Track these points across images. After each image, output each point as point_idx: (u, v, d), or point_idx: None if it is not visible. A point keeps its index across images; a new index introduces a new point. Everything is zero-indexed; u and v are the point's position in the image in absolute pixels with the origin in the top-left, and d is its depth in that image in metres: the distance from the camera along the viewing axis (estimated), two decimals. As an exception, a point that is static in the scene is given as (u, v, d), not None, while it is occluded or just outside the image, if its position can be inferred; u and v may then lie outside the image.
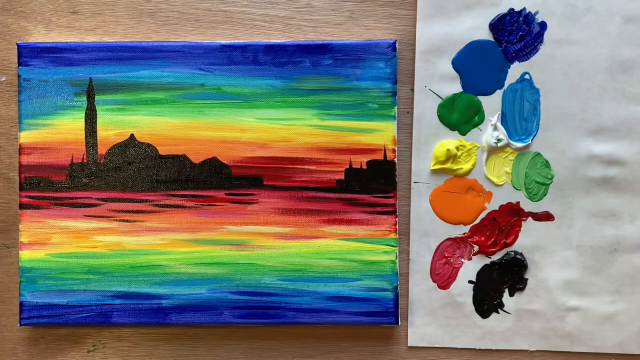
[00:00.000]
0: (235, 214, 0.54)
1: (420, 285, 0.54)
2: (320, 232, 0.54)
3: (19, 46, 0.53)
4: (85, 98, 0.53)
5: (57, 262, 0.54)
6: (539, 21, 0.53)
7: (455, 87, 0.53)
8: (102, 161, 0.53)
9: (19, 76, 0.53)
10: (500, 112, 0.53)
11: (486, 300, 0.54)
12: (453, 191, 0.54)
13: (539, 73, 0.53)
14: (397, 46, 0.53)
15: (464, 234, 0.54)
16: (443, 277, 0.54)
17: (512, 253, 0.54)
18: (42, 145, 0.53)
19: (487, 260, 0.54)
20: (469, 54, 0.53)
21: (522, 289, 0.54)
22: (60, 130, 0.53)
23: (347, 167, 0.53)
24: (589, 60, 0.53)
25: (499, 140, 0.53)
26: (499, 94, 0.53)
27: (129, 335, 0.55)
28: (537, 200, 0.54)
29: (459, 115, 0.53)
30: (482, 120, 0.54)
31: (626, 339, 0.54)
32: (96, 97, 0.53)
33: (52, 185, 0.53)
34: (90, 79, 0.53)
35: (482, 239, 0.54)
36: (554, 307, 0.54)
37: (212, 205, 0.54)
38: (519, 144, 0.53)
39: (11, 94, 0.55)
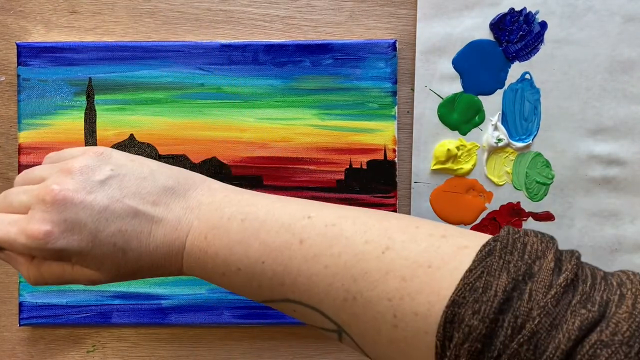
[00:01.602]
0: (235, 214, 0.53)
1: (420, 286, 0.54)
2: (321, 232, 0.53)
3: (18, 46, 0.53)
4: (84, 98, 0.53)
5: (57, 262, 0.53)
6: (539, 21, 0.53)
7: (456, 87, 0.53)
8: (101, 161, 0.53)
9: (18, 76, 0.53)
10: (500, 112, 0.53)
11: (486, 300, 0.54)
12: (453, 191, 0.54)
13: (540, 73, 0.53)
14: (397, 46, 0.53)
15: (464, 234, 0.54)
16: (443, 277, 0.54)
17: (513, 253, 0.54)
18: (42, 145, 0.53)
19: (488, 260, 0.54)
20: (469, 54, 0.53)
21: (522, 289, 0.54)
22: (59, 130, 0.53)
23: (347, 167, 0.53)
24: (589, 60, 0.53)
25: (500, 140, 0.53)
26: (499, 93, 0.53)
27: (129, 335, 0.55)
28: (537, 200, 0.54)
29: (460, 115, 0.53)
30: (482, 120, 0.53)
31: (626, 339, 0.54)
32: (96, 97, 0.53)
33: (51, 185, 0.53)
34: (90, 78, 0.53)
35: (483, 239, 0.54)
36: (554, 307, 0.54)
37: (212, 205, 0.53)
38: (520, 144, 0.53)
39: (10, 93, 0.55)
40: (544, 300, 0.27)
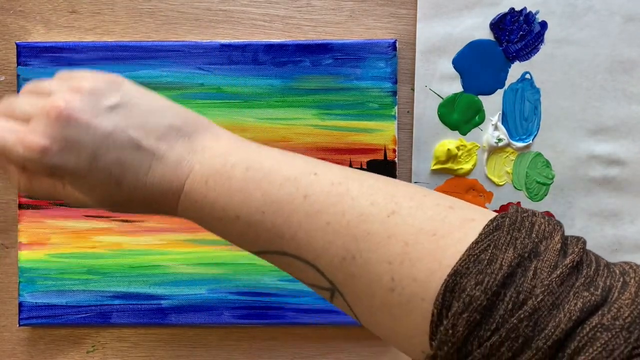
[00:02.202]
0: (235, 214, 0.53)
1: (420, 286, 0.54)
2: (321, 232, 0.53)
3: (18, 46, 0.53)
4: (84, 98, 0.53)
5: (57, 262, 0.53)
6: (540, 21, 0.53)
7: (456, 87, 0.53)
8: (101, 161, 0.53)
9: (18, 76, 0.53)
10: (500, 111, 0.53)
11: (486, 300, 0.54)
12: (453, 191, 0.54)
13: (540, 73, 0.53)
14: (397, 46, 0.53)
15: (464, 234, 0.54)
16: (443, 277, 0.54)
17: (513, 253, 0.54)
18: (41, 145, 0.53)
19: (488, 261, 0.54)
20: (470, 54, 0.53)
21: (522, 289, 0.54)
22: (59, 130, 0.53)
23: (347, 167, 0.53)
24: (590, 59, 0.53)
25: (500, 140, 0.53)
26: (499, 93, 0.53)
27: (129, 335, 0.55)
28: (537, 200, 0.54)
29: (460, 115, 0.53)
30: (482, 120, 0.53)
31: (627, 339, 0.54)
32: (95, 96, 0.53)
33: (51, 185, 0.53)
34: (90, 78, 0.53)
35: (483, 239, 0.54)
36: (554, 307, 0.54)
37: (211, 205, 0.53)
38: (520, 144, 0.53)
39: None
40: (549, 279, 0.27)
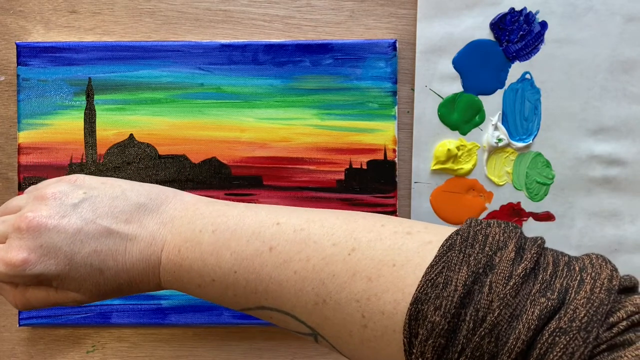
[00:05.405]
0: (235, 214, 0.53)
1: (420, 286, 0.54)
2: (321, 232, 0.53)
3: (18, 46, 0.53)
4: (84, 98, 0.53)
5: (56, 262, 0.53)
6: (540, 21, 0.53)
7: (456, 87, 0.53)
8: (101, 161, 0.53)
9: (18, 76, 0.53)
10: (501, 111, 0.53)
11: (486, 300, 0.54)
12: (454, 191, 0.54)
13: (540, 73, 0.53)
14: (397, 46, 0.53)
15: (464, 234, 0.54)
16: (443, 277, 0.54)
17: (513, 253, 0.54)
18: (41, 145, 0.53)
19: (488, 261, 0.54)
20: (470, 54, 0.53)
21: (522, 289, 0.54)
22: (59, 130, 0.53)
23: (347, 167, 0.53)
24: (590, 59, 0.53)
25: (500, 140, 0.53)
26: (499, 93, 0.53)
27: (129, 335, 0.55)
28: (538, 201, 0.54)
29: (460, 115, 0.53)
30: (482, 120, 0.53)
31: (627, 339, 0.54)
32: (95, 96, 0.53)
33: (51, 185, 0.53)
34: (90, 78, 0.53)
35: (483, 239, 0.54)
36: (554, 308, 0.54)
37: (211, 205, 0.53)
38: (520, 144, 0.53)
39: (10, 93, 0.55)
40: (504, 292, 0.27)
